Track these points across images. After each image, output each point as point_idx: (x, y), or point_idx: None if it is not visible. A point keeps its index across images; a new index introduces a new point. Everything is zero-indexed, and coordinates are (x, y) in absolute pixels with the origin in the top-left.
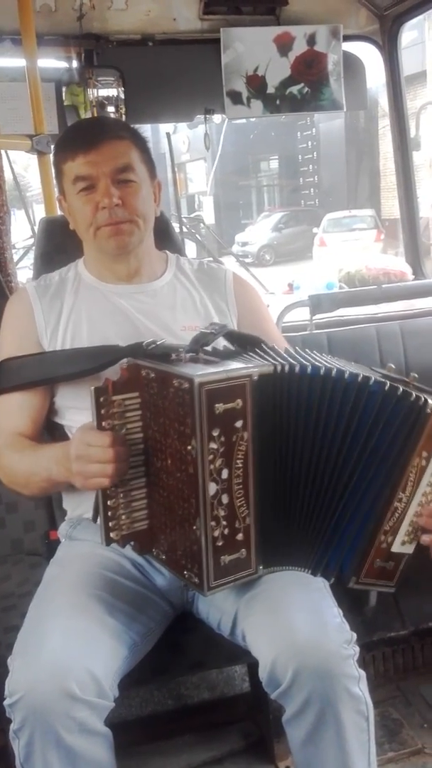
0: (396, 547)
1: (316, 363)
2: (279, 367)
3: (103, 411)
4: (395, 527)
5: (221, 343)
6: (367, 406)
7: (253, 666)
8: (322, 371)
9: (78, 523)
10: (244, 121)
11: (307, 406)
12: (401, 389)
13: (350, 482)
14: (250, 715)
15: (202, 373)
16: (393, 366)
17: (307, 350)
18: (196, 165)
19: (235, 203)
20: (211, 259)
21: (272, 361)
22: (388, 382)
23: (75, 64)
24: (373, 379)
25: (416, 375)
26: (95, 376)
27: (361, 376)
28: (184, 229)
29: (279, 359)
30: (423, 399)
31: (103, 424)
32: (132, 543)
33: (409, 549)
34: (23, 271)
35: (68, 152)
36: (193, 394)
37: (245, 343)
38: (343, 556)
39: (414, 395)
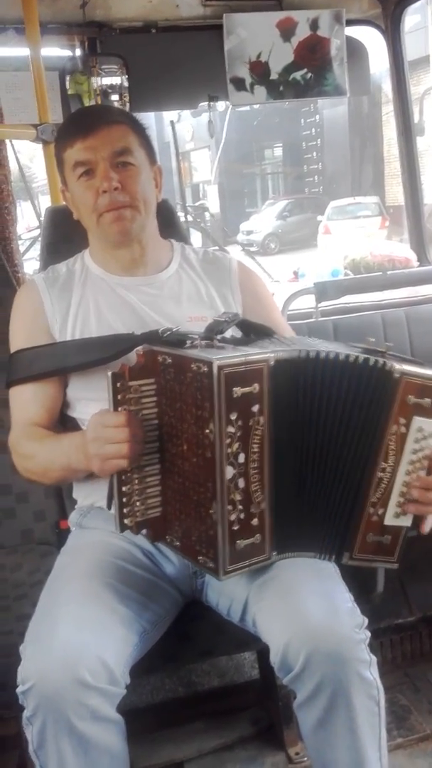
0: (389, 520)
1: (317, 348)
2: (295, 353)
3: (119, 396)
4: (384, 499)
5: (231, 333)
6: (359, 382)
7: (262, 653)
8: (329, 355)
9: (88, 511)
10: (247, 108)
11: (316, 389)
12: (374, 359)
13: (348, 460)
14: (260, 701)
15: (220, 356)
16: (373, 339)
17: (293, 335)
18: (200, 154)
19: (239, 191)
20: (216, 248)
21: (285, 347)
22: (372, 357)
23: (78, 52)
24: (362, 357)
25: (391, 344)
26: (107, 366)
27: (354, 356)
28: (189, 218)
29: (291, 346)
30: (390, 365)
31: (119, 409)
32: (145, 531)
33: (406, 522)
34: (30, 263)
35: (67, 140)
36: (212, 378)
37: (256, 333)
38: (339, 534)
39: (384, 362)
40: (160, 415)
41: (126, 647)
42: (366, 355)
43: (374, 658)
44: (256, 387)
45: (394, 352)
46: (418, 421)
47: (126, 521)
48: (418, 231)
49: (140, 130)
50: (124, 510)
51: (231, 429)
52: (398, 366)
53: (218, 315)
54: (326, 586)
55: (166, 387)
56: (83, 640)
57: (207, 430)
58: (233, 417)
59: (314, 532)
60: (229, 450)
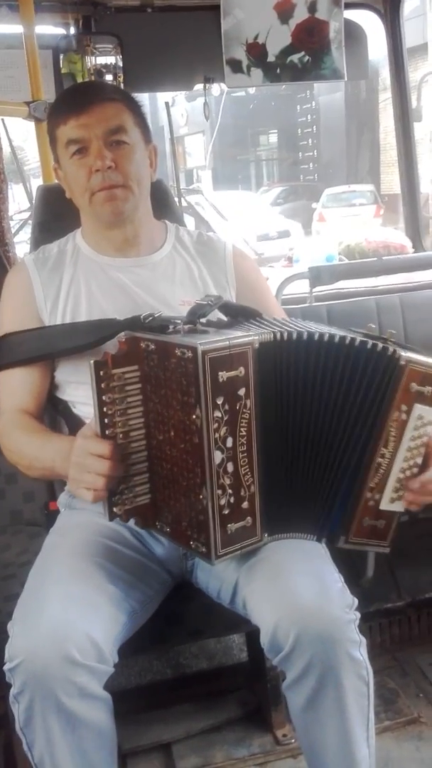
0: (384, 505)
1: (309, 329)
2: (279, 335)
3: (102, 385)
4: (381, 484)
5: (216, 315)
6: (356, 365)
7: (251, 635)
8: (316, 336)
9: None
10: (242, 93)
11: (305, 372)
12: (380, 345)
13: (342, 443)
14: (248, 684)
15: (204, 341)
16: (373, 326)
17: (286, 318)
18: (194, 139)
19: (233, 177)
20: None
21: (270, 329)
22: (370, 341)
23: (73, 30)
24: (359, 339)
25: (393, 331)
26: (94, 350)
27: (348, 338)
28: (184, 203)
29: (276, 327)
30: (397, 352)
31: (104, 398)
32: (134, 518)
33: (400, 507)
34: (21, 246)
35: (60, 117)
36: (196, 363)
37: (240, 315)
38: (334, 516)
39: (391, 349)
40: (145, 402)
41: (114, 626)
42: (369, 340)
43: (364, 639)
44: (241, 370)
45: (396, 340)
46: (418, 409)
47: (115, 509)
48: (414, 217)
49: (135, 108)
50: (113, 498)
51: (218, 414)
52: (404, 353)
53: (201, 298)
54: (316, 567)
55: (150, 374)
56: (72, 617)
57: (194, 416)
58: (219, 401)
59: (306, 513)
60: (217, 435)
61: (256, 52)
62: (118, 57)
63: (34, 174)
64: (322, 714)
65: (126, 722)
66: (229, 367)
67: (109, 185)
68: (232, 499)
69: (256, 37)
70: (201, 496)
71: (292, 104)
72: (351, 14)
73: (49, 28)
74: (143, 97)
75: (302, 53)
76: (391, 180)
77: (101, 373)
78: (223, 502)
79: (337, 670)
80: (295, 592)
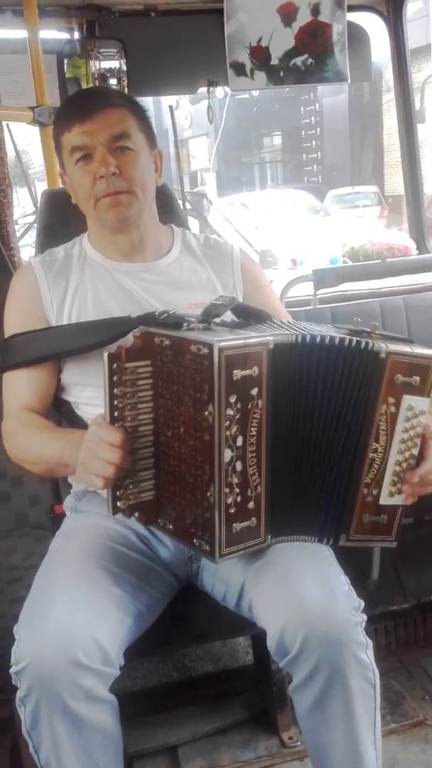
0: (384, 500)
1: (311, 332)
2: (294, 337)
3: (115, 378)
4: (377, 479)
5: (229, 316)
6: (352, 366)
7: (256, 638)
8: (327, 341)
9: (83, 496)
10: (246, 95)
11: (315, 374)
12: (363, 342)
13: (340, 444)
14: (254, 686)
15: (221, 339)
16: (359, 320)
17: (291, 320)
18: (198, 141)
19: (237, 179)
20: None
21: (282, 331)
22: (363, 340)
23: (77, 35)
24: (364, 342)
25: (377, 324)
26: (103, 350)
27: (347, 339)
28: (188, 206)
29: (288, 330)
30: (376, 346)
31: (115, 391)
32: (137, 514)
33: (401, 500)
34: (25, 249)
35: (64, 124)
36: (212, 360)
37: (252, 317)
38: (333, 516)
39: (371, 344)
40: (155, 397)
41: (120, 629)
42: (353, 337)
43: (370, 641)
44: (255, 370)
45: (381, 332)
46: (407, 400)
47: (119, 504)
48: (418, 219)
49: (140, 113)
50: (117, 492)
51: (230, 412)
52: (384, 346)
53: (215, 298)
54: (322, 570)
55: (163, 369)
56: (78, 620)
57: (206, 413)
58: (232, 400)
59: (309, 515)
60: (228, 433)
61: (260, 55)
62: (122, 61)
63: (38, 178)
64: (329, 716)
65: (132, 725)
66: (243, 366)
67: (114, 191)
68: (238, 498)
69: (259, 41)
70: (208, 494)
71: (295, 106)
72: (354, 17)
73: (53, 33)
74: (147, 101)
75: (305, 56)
76: (395, 181)
77: (114, 366)
78: (230, 500)
79: (344, 672)
80: (302, 595)
